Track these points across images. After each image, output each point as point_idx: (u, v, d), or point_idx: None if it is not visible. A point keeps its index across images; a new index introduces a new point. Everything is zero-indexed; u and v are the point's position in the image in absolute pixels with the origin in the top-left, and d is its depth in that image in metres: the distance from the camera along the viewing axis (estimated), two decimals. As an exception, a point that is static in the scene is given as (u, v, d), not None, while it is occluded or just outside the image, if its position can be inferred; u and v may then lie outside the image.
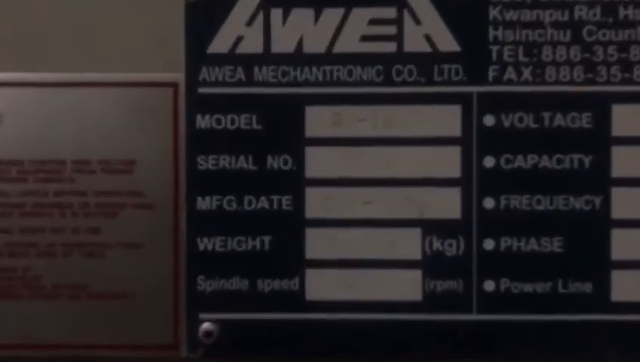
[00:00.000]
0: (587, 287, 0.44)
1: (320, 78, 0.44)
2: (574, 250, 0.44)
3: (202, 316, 0.45)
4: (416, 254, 0.45)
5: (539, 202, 0.44)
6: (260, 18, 0.44)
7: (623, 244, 0.44)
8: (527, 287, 0.44)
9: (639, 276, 0.44)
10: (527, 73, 0.44)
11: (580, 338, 0.44)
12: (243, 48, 0.45)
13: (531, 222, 0.44)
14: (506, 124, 0.44)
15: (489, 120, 0.44)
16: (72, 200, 0.45)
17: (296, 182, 0.44)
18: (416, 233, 0.45)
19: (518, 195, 0.44)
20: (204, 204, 0.45)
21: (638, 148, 0.44)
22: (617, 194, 0.44)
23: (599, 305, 0.44)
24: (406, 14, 0.44)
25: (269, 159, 0.45)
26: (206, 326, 0.45)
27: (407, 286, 0.44)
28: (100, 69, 0.46)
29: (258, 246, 0.45)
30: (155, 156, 0.45)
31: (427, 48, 0.44)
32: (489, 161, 0.44)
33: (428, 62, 0.44)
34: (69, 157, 0.45)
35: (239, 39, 0.45)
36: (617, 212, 0.44)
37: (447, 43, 0.44)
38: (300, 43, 0.45)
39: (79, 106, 0.45)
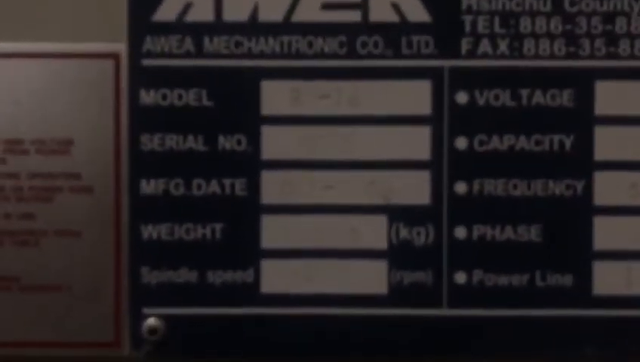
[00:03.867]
0: (567, 280, 0.42)
1: (277, 49, 0.42)
2: (553, 240, 0.42)
3: (146, 311, 0.42)
4: (382, 243, 0.42)
5: (515, 187, 0.42)
6: (211, -17, 0.42)
7: (605, 233, 0.42)
8: (502, 280, 0.42)
9: (623, 268, 0.42)
10: (503, 46, 0.42)
11: (559, 335, 0.42)
12: (192, 16, 0.42)
13: (507, 209, 0.42)
14: (481, 101, 0.42)
15: (462, 97, 0.42)
16: (4, 184, 0.43)
17: (250, 165, 0.42)
18: (381, 220, 0.42)
19: (492, 179, 0.42)
20: (149, 187, 0.42)
21: (623, 128, 0.42)
22: (600, 178, 0.42)
23: (580, 300, 0.42)
24: (372, -20, 0.42)
25: (221, 139, 0.42)
26: (151, 322, 0.42)
27: (372, 278, 0.42)
28: (33, 38, 0.43)
29: (208, 235, 0.42)
30: (94, 135, 0.43)
31: (395, 18, 0.42)
32: (461, 142, 0.42)
33: (395, 34, 0.42)
34: (1, 137, 0.43)
35: (188, 6, 0.42)
36: (600, 198, 0.42)
37: (417, 12, 0.42)
38: (254, 11, 0.42)
39: (11, 80, 0.43)
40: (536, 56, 0.42)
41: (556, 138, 0.42)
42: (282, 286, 0.42)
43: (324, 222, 0.42)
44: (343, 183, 0.42)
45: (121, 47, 0.42)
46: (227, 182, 0.42)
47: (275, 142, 0.42)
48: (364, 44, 0.42)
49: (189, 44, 0.42)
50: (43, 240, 0.43)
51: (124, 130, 0.43)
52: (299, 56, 0.42)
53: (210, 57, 0.42)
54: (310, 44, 0.42)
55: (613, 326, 0.42)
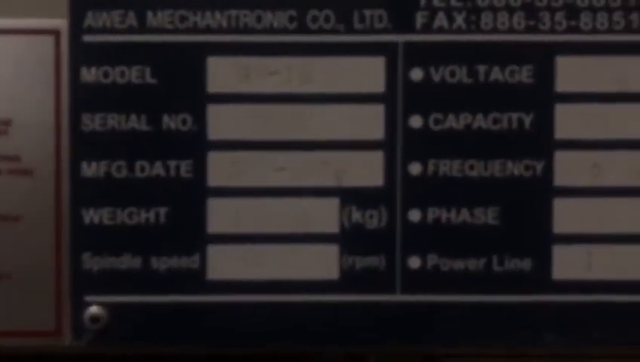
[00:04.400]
0: (526, 264, 0.41)
1: (224, 24, 0.41)
2: (511, 222, 0.41)
3: (88, 298, 0.41)
4: (333, 227, 0.41)
5: (472, 168, 0.41)
6: (154, -46, 0.41)
7: (566, 216, 0.41)
8: (458, 264, 0.41)
9: (583, 251, 0.41)
10: (460, 20, 0.41)
11: (517, 322, 0.41)
12: (134, -10, 0.41)
13: (463, 191, 0.41)
14: (436, 78, 0.41)
15: (416, 74, 0.41)
16: (-59, 166, 0.42)
17: (196, 145, 0.41)
18: (333, 203, 0.41)
19: (448, 160, 0.41)
20: (90, 170, 0.41)
21: (585, 105, 0.41)
22: (561, 158, 0.41)
23: (539, 284, 0.41)
24: (322, -49, 0.40)
25: (165, 118, 0.41)
26: (93, 310, 0.41)
27: (322, 263, 0.41)
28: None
29: (152, 219, 0.41)
30: (33, 115, 0.41)
31: (347, -9, 0.41)
32: (416, 121, 0.41)
33: (347, 8, 0.41)
34: (-63, 116, 0.41)
35: (130, -21, 0.41)
36: (561, 179, 0.41)
37: (370, -15, 0.41)
38: (200, -16, 0.41)
39: (-53, 57, 0.41)
40: (495, 31, 0.41)
41: (515, 116, 0.41)
42: (229, 272, 0.41)
43: (274, 205, 0.41)
44: (294, 165, 0.41)
45: (62, 23, 0.41)
46: (172, 163, 0.41)
47: (222, 122, 0.41)
48: (315, 19, 0.41)
49: (131, 18, 0.41)
50: (-19, 225, 0.42)
51: (65, 110, 0.41)
52: (247, 31, 0.41)
53: (154, 33, 0.41)
54: (259, 19, 0.41)
55: (573, 312, 0.41)
